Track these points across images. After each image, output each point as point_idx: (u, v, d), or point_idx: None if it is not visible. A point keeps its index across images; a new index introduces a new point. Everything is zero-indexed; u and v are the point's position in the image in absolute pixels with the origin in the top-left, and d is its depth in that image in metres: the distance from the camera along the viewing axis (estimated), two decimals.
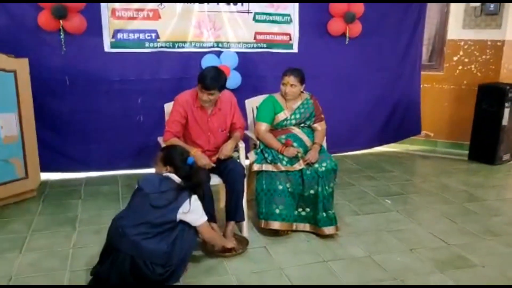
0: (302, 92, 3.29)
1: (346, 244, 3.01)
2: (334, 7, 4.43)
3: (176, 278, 2.43)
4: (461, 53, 5.15)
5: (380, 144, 5.24)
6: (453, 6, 5.10)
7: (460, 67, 5.19)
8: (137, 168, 4.19)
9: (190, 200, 2.39)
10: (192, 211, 2.39)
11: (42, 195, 3.72)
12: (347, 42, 4.57)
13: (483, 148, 4.87)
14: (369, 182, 4.25)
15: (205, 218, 2.51)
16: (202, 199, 2.53)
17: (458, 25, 5.11)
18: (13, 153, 3.42)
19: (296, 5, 4.41)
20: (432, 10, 5.26)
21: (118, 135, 4.12)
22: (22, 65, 3.41)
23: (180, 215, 2.36)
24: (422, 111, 5.30)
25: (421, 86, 5.25)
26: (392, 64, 4.93)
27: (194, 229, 2.48)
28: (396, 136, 5.27)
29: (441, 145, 5.44)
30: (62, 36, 3.70)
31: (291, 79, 3.16)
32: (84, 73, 3.88)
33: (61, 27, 3.68)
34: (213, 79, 2.87)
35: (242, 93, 3.92)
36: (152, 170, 3.93)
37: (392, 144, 5.40)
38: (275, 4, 4.35)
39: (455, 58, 5.19)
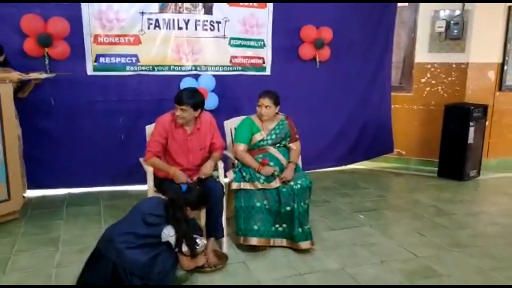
0: (277, 113, 3.47)
1: (322, 257, 3.15)
2: (305, 34, 4.71)
3: None
4: (428, 75, 5.45)
5: (352, 161, 5.46)
6: (419, 31, 5.41)
7: (428, 89, 5.48)
8: (118, 185, 4.38)
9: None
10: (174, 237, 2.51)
11: (25, 216, 3.76)
12: (318, 66, 4.84)
13: (451, 165, 5.12)
14: (344, 199, 4.43)
15: (185, 249, 2.57)
16: (179, 237, 2.55)
17: (424, 49, 5.41)
18: None
19: (270, 31, 4.67)
20: (401, 35, 5.57)
21: (100, 153, 4.26)
22: (5, 90, 3.46)
23: (164, 235, 2.48)
24: (394, 130, 5.55)
25: (392, 106, 5.51)
26: (361, 86, 5.20)
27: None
28: (369, 154, 5.50)
29: (413, 162, 5.68)
30: (47, 62, 3.83)
31: (265, 101, 3.33)
32: (68, 94, 4.02)
33: (46, 54, 3.82)
34: (186, 96, 3.05)
35: (219, 114, 4.09)
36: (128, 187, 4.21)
37: (367, 162, 5.63)
38: (250, 30, 4.60)
39: (423, 80, 5.48)
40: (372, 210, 4.14)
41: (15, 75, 3.54)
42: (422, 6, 5.35)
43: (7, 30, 3.78)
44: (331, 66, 4.91)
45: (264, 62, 4.75)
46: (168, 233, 2.49)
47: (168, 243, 2.52)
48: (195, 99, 3.10)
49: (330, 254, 3.21)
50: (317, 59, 4.81)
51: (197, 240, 2.67)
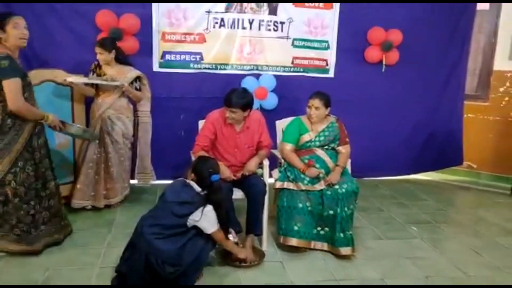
0: (328, 115, 3.42)
1: (362, 266, 3.06)
2: (372, 36, 4.56)
3: (189, 280, 2.60)
4: (507, 84, 5.04)
5: (416, 172, 5.21)
6: (500, 37, 5.03)
7: (506, 99, 5.07)
8: (176, 178, 4.47)
9: (203, 210, 2.57)
10: (203, 220, 2.57)
11: None
12: (383, 70, 4.67)
13: None
14: (399, 209, 4.24)
15: (216, 227, 2.66)
16: (221, 218, 2.68)
17: (505, 56, 5.02)
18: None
19: (335, 32, 4.59)
20: (479, 41, 5.22)
21: (161, 148, 4.43)
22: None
23: (190, 221, 2.56)
24: (466, 141, 5.20)
25: (465, 116, 5.18)
26: (430, 93, 4.94)
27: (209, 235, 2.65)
28: (434, 165, 5.20)
29: (484, 177, 5.28)
30: None
31: (315, 102, 3.30)
32: None
33: None
34: (236, 98, 3.09)
35: (278, 114, 4.12)
36: None
37: (432, 173, 5.34)
38: (314, 31, 4.55)
39: (501, 89, 5.08)
40: (427, 223, 3.92)
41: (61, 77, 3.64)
42: (504, 10, 4.97)
43: (83, 24, 4.06)
44: (399, 70, 4.73)
45: (327, 64, 4.69)
46: (194, 218, 2.56)
47: (196, 227, 2.59)
48: (244, 100, 3.14)
49: (371, 263, 3.10)
50: (384, 62, 4.66)
51: (230, 236, 2.72)
